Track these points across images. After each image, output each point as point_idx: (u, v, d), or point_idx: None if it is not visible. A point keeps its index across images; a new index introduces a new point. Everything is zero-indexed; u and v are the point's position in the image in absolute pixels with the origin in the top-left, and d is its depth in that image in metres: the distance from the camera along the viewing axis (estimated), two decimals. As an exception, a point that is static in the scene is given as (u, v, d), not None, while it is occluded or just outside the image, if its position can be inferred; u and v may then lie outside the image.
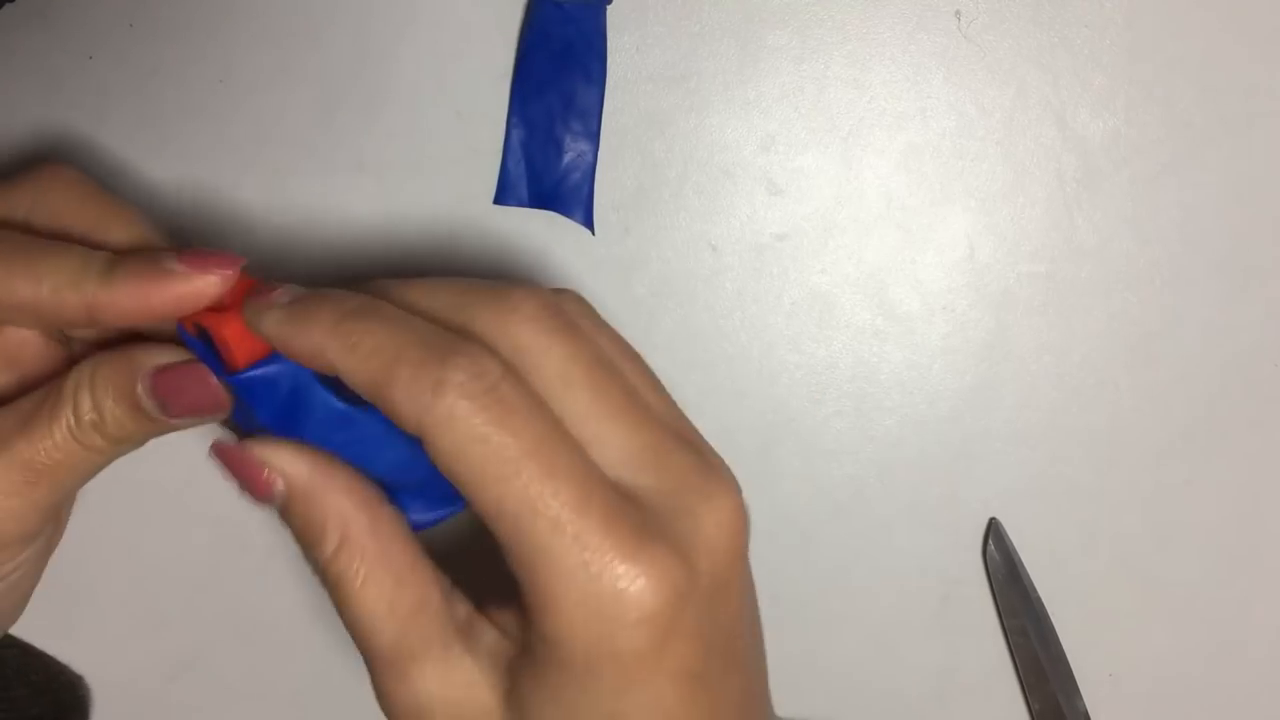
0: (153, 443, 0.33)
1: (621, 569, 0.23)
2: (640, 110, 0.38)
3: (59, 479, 0.27)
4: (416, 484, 0.27)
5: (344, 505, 0.26)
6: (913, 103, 0.38)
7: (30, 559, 0.29)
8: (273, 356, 0.26)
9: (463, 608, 0.26)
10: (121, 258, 0.26)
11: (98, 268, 0.26)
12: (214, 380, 0.26)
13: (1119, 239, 0.39)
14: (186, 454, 0.38)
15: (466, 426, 0.23)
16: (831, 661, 0.40)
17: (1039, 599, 0.39)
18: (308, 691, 0.40)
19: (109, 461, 0.28)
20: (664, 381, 0.39)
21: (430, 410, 0.23)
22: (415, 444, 0.24)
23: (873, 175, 0.38)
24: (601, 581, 0.23)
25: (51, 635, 0.39)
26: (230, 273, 0.26)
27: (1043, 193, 0.39)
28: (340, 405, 0.26)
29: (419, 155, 0.38)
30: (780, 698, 0.41)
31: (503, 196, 0.38)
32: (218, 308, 0.26)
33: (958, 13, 0.38)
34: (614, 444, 0.25)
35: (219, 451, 0.26)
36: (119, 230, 0.28)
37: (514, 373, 0.24)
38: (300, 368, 0.25)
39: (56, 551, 0.37)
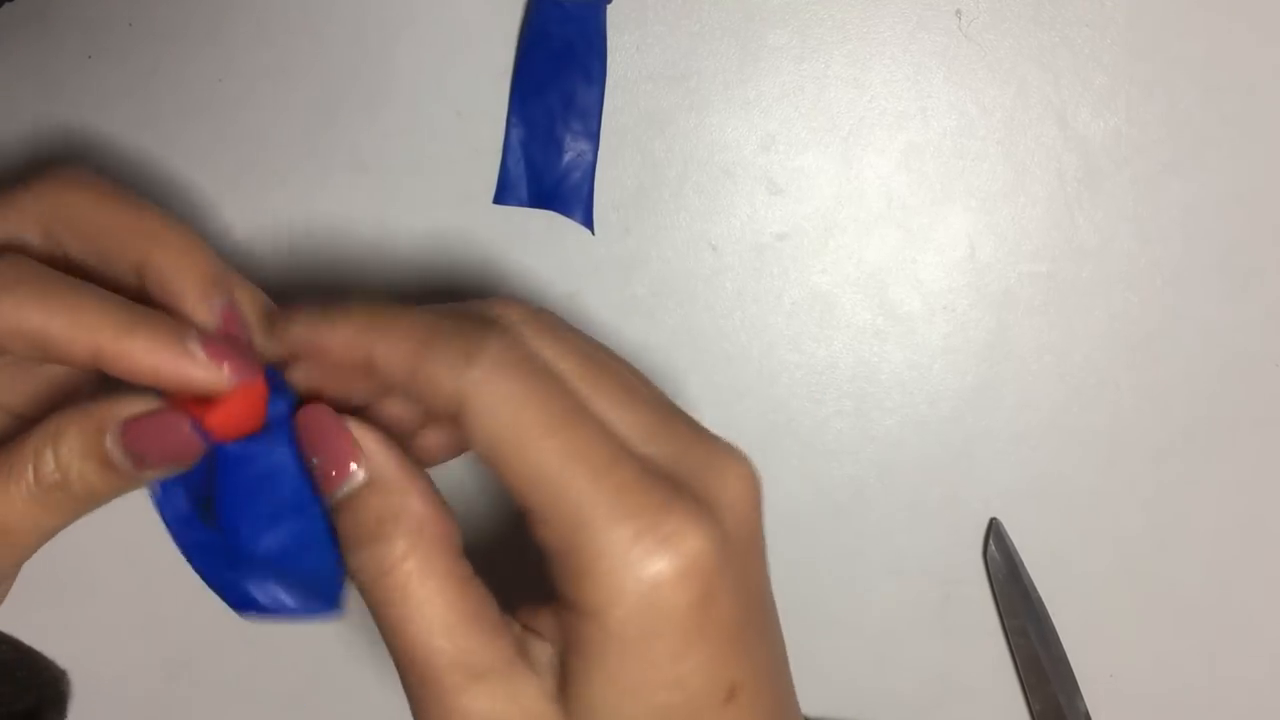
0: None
1: (661, 523, 0.23)
2: (640, 110, 0.38)
3: (19, 540, 0.26)
4: (307, 575, 0.26)
5: (422, 507, 0.25)
6: (913, 102, 0.38)
7: None
8: (260, 434, 0.25)
9: (516, 625, 0.26)
10: (145, 319, 0.25)
11: (117, 318, 0.25)
12: (186, 426, 0.25)
13: (1120, 239, 0.39)
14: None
15: (506, 388, 0.23)
16: (831, 661, 0.40)
17: (1039, 599, 0.39)
18: (307, 691, 0.40)
19: (68, 524, 0.27)
20: (664, 382, 0.39)
21: (467, 375, 0.23)
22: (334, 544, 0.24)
23: (873, 175, 0.38)
24: (643, 539, 0.23)
25: (51, 634, 0.39)
26: (247, 381, 0.25)
27: (1044, 192, 0.38)
28: (309, 491, 0.26)
29: (419, 155, 0.38)
30: (780, 698, 0.41)
31: (503, 196, 0.38)
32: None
33: (958, 12, 0.38)
34: (630, 418, 0.25)
35: (309, 416, 0.25)
36: (148, 245, 0.27)
37: (536, 350, 0.25)
38: (283, 446, 0.25)
39: (56, 550, 0.37)
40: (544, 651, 0.25)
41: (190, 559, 0.27)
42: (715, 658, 0.24)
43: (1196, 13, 0.38)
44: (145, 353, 0.25)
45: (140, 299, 0.26)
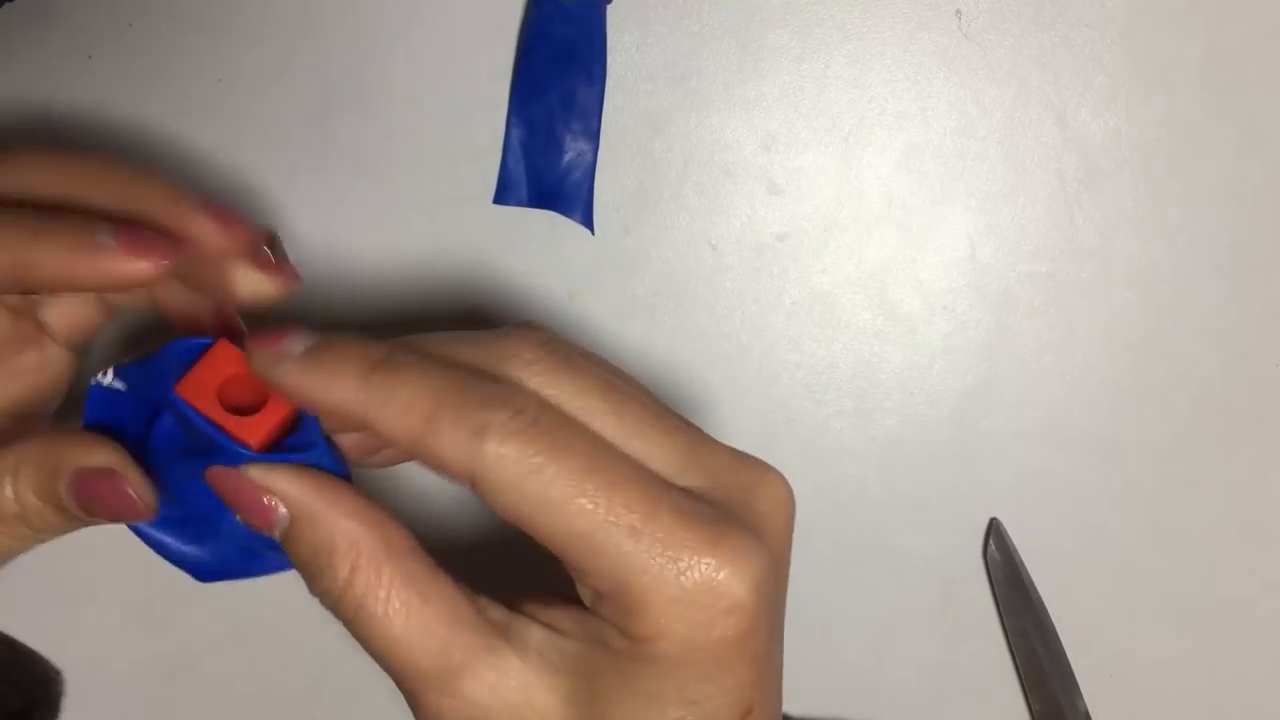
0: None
1: (708, 562, 0.23)
2: (640, 110, 0.38)
3: None
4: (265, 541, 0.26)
5: (352, 527, 0.25)
6: (913, 102, 0.38)
7: None
8: (290, 440, 0.25)
9: (496, 611, 0.25)
10: (51, 224, 0.25)
11: (25, 226, 0.25)
12: (131, 492, 0.25)
13: (1120, 239, 0.39)
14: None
15: (519, 463, 0.23)
16: (831, 661, 0.40)
17: (1039, 599, 0.39)
18: (307, 692, 0.40)
19: (31, 547, 0.27)
20: (664, 382, 0.39)
21: (479, 455, 0.23)
22: None
23: (873, 175, 0.38)
24: (692, 577, 0.23)
25: (46, 633, 0.39)
26: (166, 263, 0.25)
27: (1044, 192, 0.38)
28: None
29: (419, 155, 0.38)
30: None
31: (503, 196, 0.38)
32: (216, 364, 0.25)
33: (958, 12, 0.38)
34: (661, 452, 0.25)
35: (215, 479, 0.25)
36: (97, 188, 0.26)
37: (549, 403, 0.24)
38: (320, 452, 0.25)
39: (53, 549, 0.37)
40: (542, 637, 0.25)
41: (145, 535, 0.27)
42: (741, 682, 0.24)
43: (1196, 13, 0.38)
44: (54, 256, 0.24)
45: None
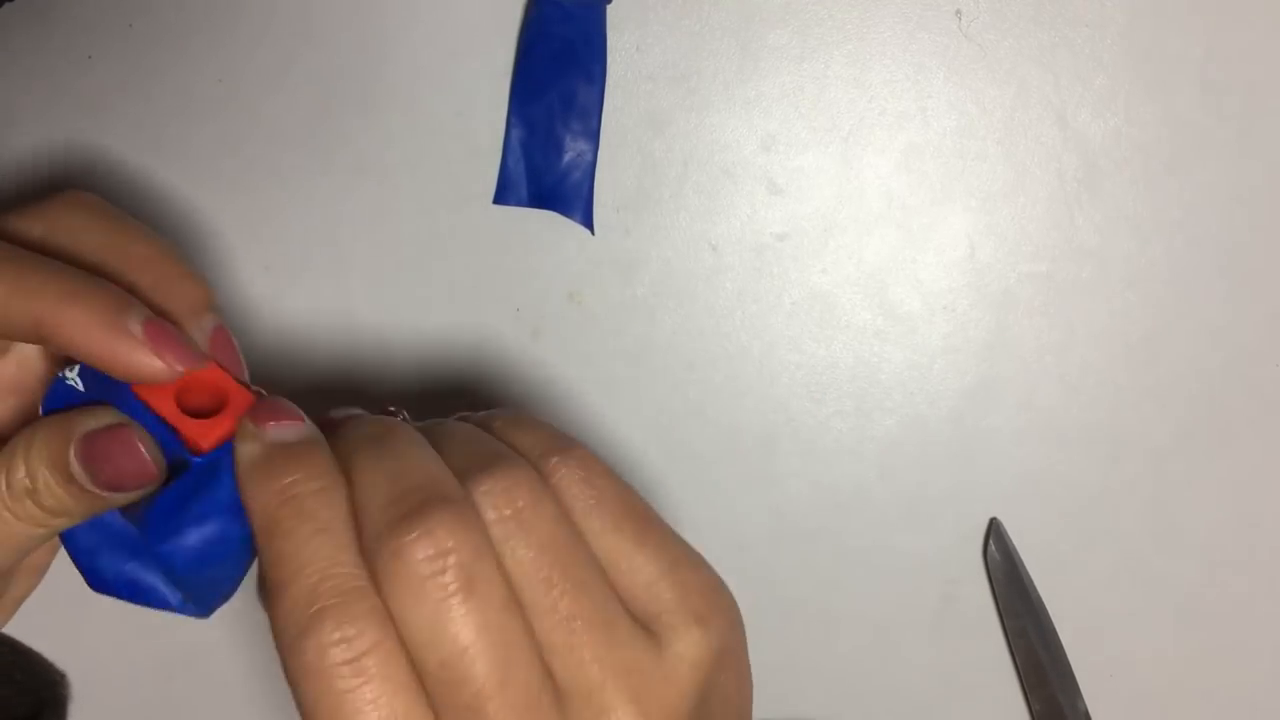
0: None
1: (664, 659, 0.24)
2: (640, 110, 0.38)
3: None
4: (203, 579, 0.26)
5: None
6: (913, 102, 0.38)
7: None
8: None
9: None
10: (89, 289, 0.25)
11: (63, 284, 0.25)
12: (141, 448, 0.25)
13: (1119, 239, 0.39)
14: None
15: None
16: (832, 661, 0.40)
17: (1039, 599, 0.39)
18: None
19: (45, 538, 0.26)
20: (665, 382, 0.39)
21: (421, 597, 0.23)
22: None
23: (873, 175, 0.38)
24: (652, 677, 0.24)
25: (50, 636, 0.39)
26: (181, 370, 0.25)
27: (1043, 192, 0.38)
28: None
29: (419, 155, 0.38)
30: (781, 698, 0.41)
31: (503, 196, 0.38)
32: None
33: (958, 12, 0.38)
34: (633, 570, 0.25)
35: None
36: (134, 251, 0.27)
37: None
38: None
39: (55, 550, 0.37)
40: None
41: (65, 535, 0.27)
42: None
43: (1196, 13, 0.38)
44: (81, 325, 0.24)
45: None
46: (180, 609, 0.26)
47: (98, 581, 0.26)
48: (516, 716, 0.22)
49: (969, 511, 0.40)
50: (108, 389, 0.26)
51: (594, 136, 0.38)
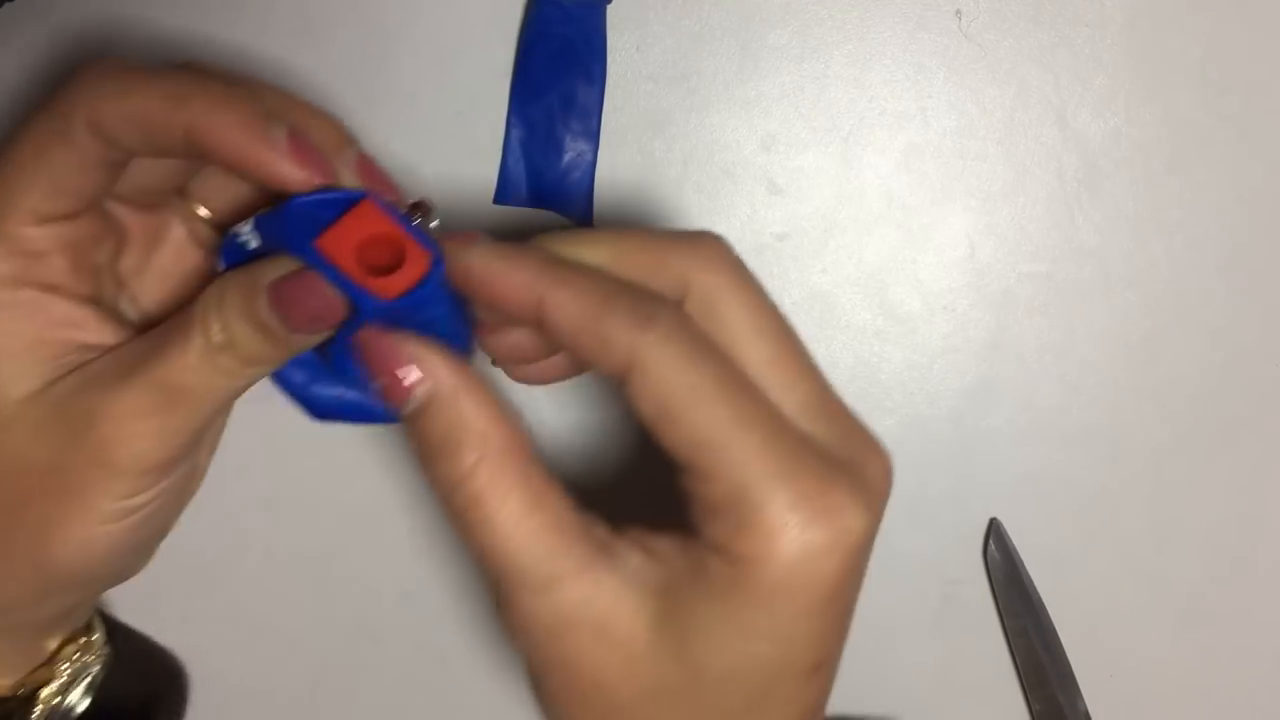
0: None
1: (825, 493, 0.24)
2: (640, 110, 0.38)
3: (195, 402, 0.27)
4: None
5: (485, 417, 0.25)
6: (913, 102, 0.38)
7: (166, 493, 0.29)
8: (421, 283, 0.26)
9: (600, 530, 0.26)
10: (238, 99, 0.26)
11: (211, 94, 0.26)
12: (325, 286, 0.26)
13: (1119, 239, 0.39)
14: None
15: (678, 354, 0.24)
16: (831, 661, 0.40)
17: (1039, 599, 0.39)
18: (307, 691, 0.41)
19: (244, 387, 0.28)
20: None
21: (642, 338, 0.24)
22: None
23: (873, 175, 0.38)
24: (807, 502, 0.24)
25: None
26: (320, 180, 0.26)
27: (1043, 192, 0.38)
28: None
29: (419, 155, 0.38)
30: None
31: (503, 196, 0.38)
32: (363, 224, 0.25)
33: (958, 12, 0.38)
34: (797, 391, 0.26)
35: (364, 340, 0.25)
36: (266, 94, 0.27)
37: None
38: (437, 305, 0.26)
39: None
40: (640, 562, 0.26)
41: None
42: (824, 631, 0.25)
43: (1196, 13, 0.38)
44: (230, 131, 0.25)
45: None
46: (389, 419, 0.27)
47: (318, 408, 0.28)
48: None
49: (969, 511, 0.40)
50: (282, 237, 0.26)
51: (594, 136, 0.38)
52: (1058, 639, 0.39)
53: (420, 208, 0.28)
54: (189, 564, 0.40)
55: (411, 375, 0.25)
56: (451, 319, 0.27)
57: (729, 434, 0.24)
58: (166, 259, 0.32)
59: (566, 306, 0.25)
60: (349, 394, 0.28)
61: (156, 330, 0.28)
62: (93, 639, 0.34)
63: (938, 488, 0.39)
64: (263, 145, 0.26)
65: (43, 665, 0.33)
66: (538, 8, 0.37)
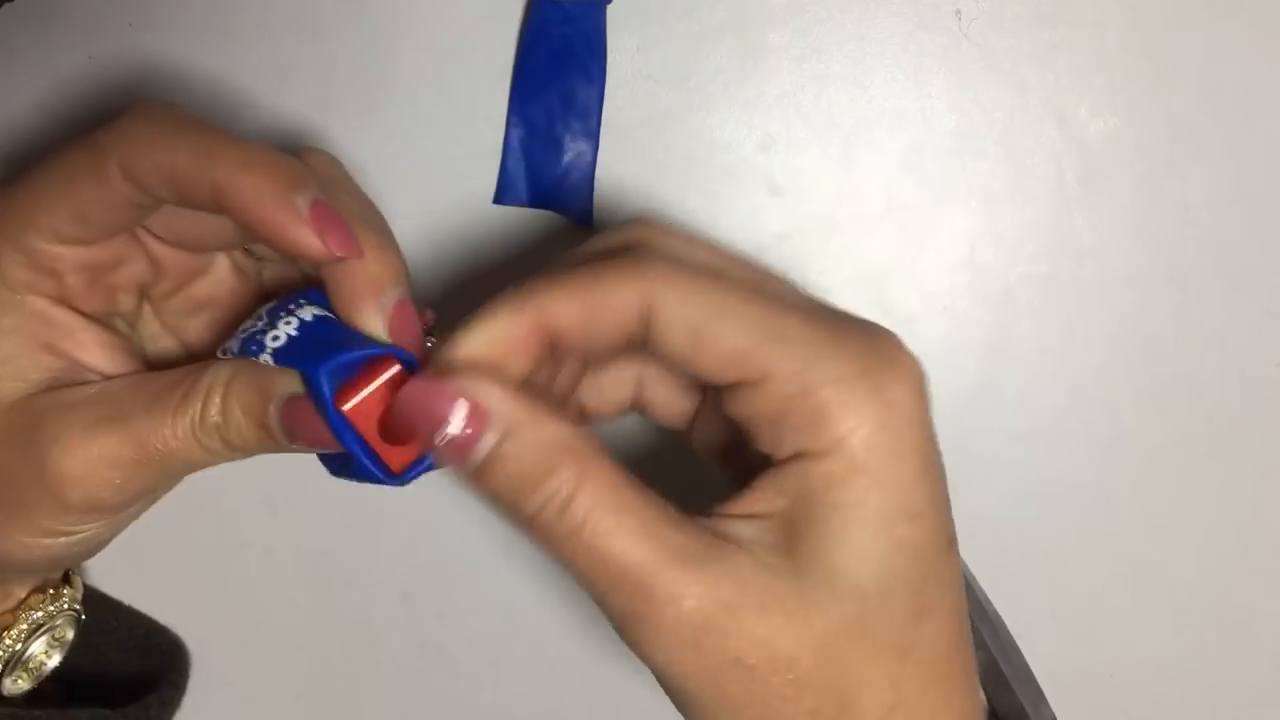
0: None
1: (881, 354, 0.24)
2: (640, 110, 0.38)
3: (165, 467, 0.27)
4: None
5: (565, 433, 0.24)
6: (913, 102, 0.38)
7: (115, 522, 0.30)
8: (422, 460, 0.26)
9: (697, 518, 0.25)
10: (265, 161, 0.26)
11: (238, 156, 0.26)
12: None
13: (1119, 239, 0.39)
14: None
15: (685, 283, 0.25)
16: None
17: (994, 610, 0.39)
18: (307, 690, 0.41)
19: (216, 464, 0.28)
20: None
21: (647, 276, 0.25)
22: None
23: (873, 175, 0.38)
24: (872, 365, 0.24)
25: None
26: (339, 256, 0.26)
27: (1043, 192, 0.38)
28: None
29: (419, 155, 0.38)
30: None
31: (503, 196, 0.38)
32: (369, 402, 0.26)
33: (958, 12, 0.38)
34: (798, 298, 0.26)
35: (413, 395, 0.24)
36: (216, 167, 0.27)
37: None
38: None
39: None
40: (750, 529, 0.25)
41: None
42: (941, 498, 0.25)
43: (1196, 13, 0.38)
44: (254, 194, 0.25)
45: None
46: (391, 483, 0.27)
47: (331, 469, 0.28)
48: None
49: (969, 511, 0.39)
50: (305, 384, 0.26)
51: (594, 136, 0.38)
52: (1016, 646, 0.39)
53: (429, 324, 0.28)
54: (189, 563, 0.40)
55: (462, 422, 0.24)
56: None
57: (768, 335, 0.24)
58: (205, 288, 0.32)
59: (565, 304, 0.25)
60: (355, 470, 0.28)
61: (150, 384, 0.28)
62: (63, 591, 0.34)
63: (938, 488, 0.39)
64: (285, 213, 0.26)
65: (7, 610, 0.33)
66: (538, 8, 0.37)
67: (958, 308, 0.39)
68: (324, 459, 0.28)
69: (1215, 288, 0.39)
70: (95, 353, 0.29)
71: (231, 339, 0.28)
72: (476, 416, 0.24)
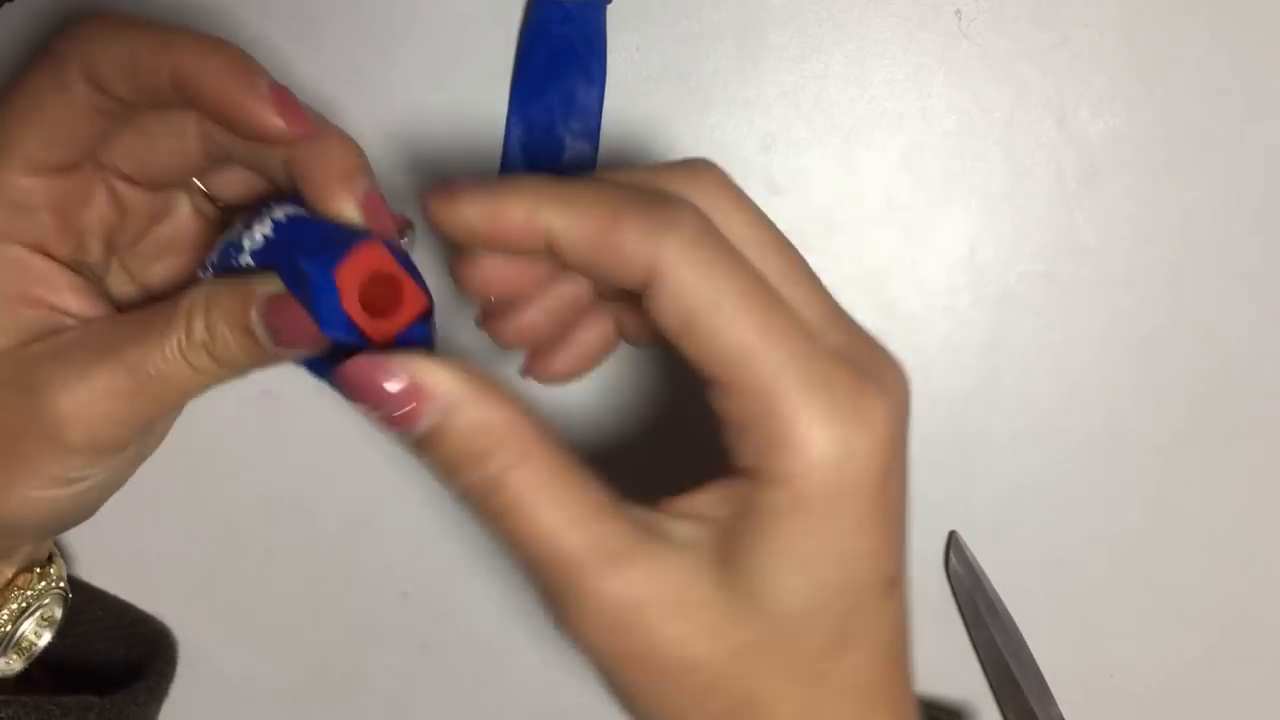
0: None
1: (856, 398, 0.24)
2: (640, 110, 0.38)
3: (161, 393, 0.28)
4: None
5: (505, 415, 0.24)
6: (913, 102, 0.38)
7: (114, 467, 0.30)
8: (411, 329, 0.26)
9: (636, 509, 0.25)
10: (223, 48, 0.27)
11: (197, 43, 0.26)
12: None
13: (1119, 239, 0.39)
14: (189, 451, 0.38)
15: (701, 261, 0.24)
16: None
17: (1005, 609, 0.39)
18: (307, 689, 0.41)
19: (210, 385, 0.28)
20: (665, 381, 0.39)
21: (663, 244, 0.23)
22: None
23: (873, 175, 0.38)
24: (840, 408, 0.24)
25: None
26: (300, 132, 0.26)
27: (1043, 192, 0.38)
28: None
29: (419, 155, 0.38)
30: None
31: (503, 196, 0.38)
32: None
33: (958, 12, 0.38)
34: (811, 304, 0.26)
35: (355, 371, 0.24)
36: (174, 55, 0.27)
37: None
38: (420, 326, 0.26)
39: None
40: (689, 529, 0.25)
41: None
42: (885, 543, 0.25)
43: (1195, 13, 0.38)
44: (219, 78, 0.26)
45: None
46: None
47: (316, 371, 0.27)
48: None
49: (969, 511, 0.40)
50: (283, 262, 0.27)
51: (594, 136, 0.38)
52: (1027, 647, 0.39)
53: (404, 227, 0.28)
54: (189, 562, 0.40)
55: (408, 394, 0.24)
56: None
57: (756, 346, 0.24)
58: (167, 230, 0.32)
59: (574, 226, 0.24)
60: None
61: (133, 317, 0.29)
62: (49, 570, 0.34)
63: (937, 488, 0.39)
64: (246, 91, 0.26)
65: None
66: (538, 8, 0.37)
67: (958, 308, 0.39)
68: (310, 364, 0.28)
69: (1215, 288, 0.39)
70: (71, 297, 0.29)
71: (211, 251, 0.28)
72: (418, 393, 0.24)
